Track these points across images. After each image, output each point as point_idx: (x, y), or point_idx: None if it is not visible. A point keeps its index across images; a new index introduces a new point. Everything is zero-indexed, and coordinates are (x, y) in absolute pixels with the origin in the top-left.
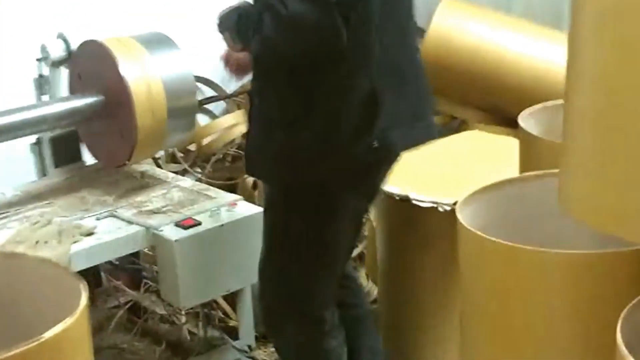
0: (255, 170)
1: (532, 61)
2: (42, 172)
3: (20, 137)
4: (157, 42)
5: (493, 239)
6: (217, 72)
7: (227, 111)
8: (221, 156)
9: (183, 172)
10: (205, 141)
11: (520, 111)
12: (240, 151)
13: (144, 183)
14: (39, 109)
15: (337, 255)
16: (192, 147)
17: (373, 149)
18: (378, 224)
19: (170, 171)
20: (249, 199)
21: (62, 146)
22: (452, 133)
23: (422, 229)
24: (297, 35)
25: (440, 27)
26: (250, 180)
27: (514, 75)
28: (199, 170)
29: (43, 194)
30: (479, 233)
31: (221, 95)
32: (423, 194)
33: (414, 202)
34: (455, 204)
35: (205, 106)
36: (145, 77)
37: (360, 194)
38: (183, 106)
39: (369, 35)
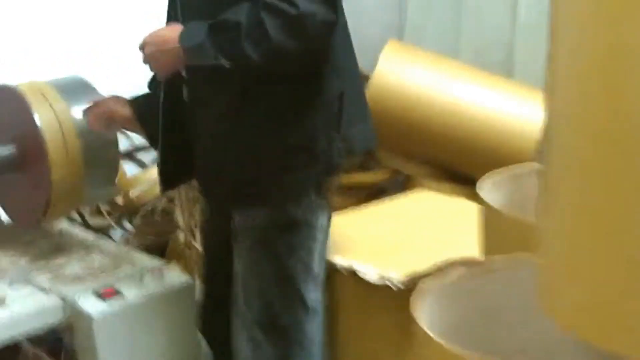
0: (236, 202)
1: (482, 111)
2: None
3: None
4: (74, 87)
5: (456, 350)
6: None
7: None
8: (150, 209)
9: (109, 227)
10: (133, 193)
11: (469, 165)
12: (171, 204)
13: (62, 243)
14: None
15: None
16: (120, 200)
17: (339, 150)
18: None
19: (95, 226)
20: (180, 258)
21: None
22: (398, 189)
23: (371, 307)
24: (309, 36)
25: (384, 73)
26: (181, 236)
27: (462, 126)
28: (128, 224)
29: None
30: (438, 341)
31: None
32: (370, 267)
33: (360, 275)
34: (407, 280)
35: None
36: (60, 125)
37: (328, 201)
38: (102, 158)
39: (338, 32)
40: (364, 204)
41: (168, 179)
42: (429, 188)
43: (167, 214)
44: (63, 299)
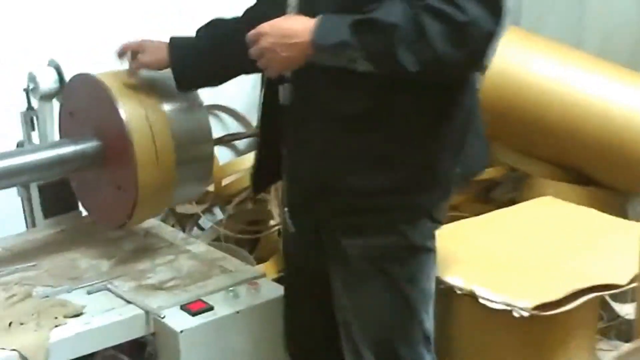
0: (346, 223)
1: (607, 106)
2: (32, 222)
3: None
4: (163, 75)
5: None
6: (243, 100)
7: (252, 147)
8: (244, 198)
9: (198, 215)
10: (225, 182)
11: (591, 164)
12: (266, 193)
13: (148, 245)
14: (17, 157)
15: None
16: (211, 187)
17: (458, 172)
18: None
19: (184, 214)
20: (273, 253)
21: (53, 192)
22: (512, 186)
23: (492, 331)
24: (472, 48)
25: (502, 63)
26: (274, 233)
27: (584, 122)
28: (219, 212)
29: (28, 251)
30: None
31: (249, 132)
32: (493, 290)
33: (481, 300)
34: (534, 308)
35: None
36: (149, 119)
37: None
38: (196, 155)
39: None
40: (478, 202)
41: (261, 182)
42: (546, 187)
43: (261, 203)
44: (146, 312)
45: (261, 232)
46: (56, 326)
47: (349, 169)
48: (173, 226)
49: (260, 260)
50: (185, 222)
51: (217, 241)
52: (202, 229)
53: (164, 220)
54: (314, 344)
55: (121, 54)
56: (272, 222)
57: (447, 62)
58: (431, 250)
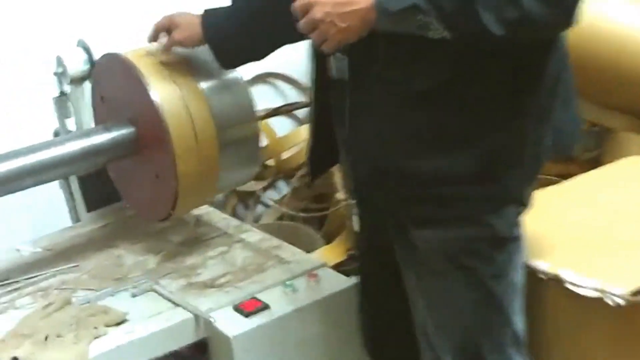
0: (418, 214)
1: None
2: (76, 216)
3: (22, 189)
4: (199, 52)
5: None
6: (299, 66)
7: None
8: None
9: (258, 195)
10: (285, 155)
11: None
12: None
13: (198, 236)
14: (44, 150)
15: None
16: (272, 162)
17: (547, 148)
18: None
19: (246, 191)
20: (341, 230)
21: (95, 183)
22: (594, 142)
23: (582, 323)
24: (564, 5)
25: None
26: (342, 210)
27: None
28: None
29: (69, 250)
30: None
31: (308, 101)
32: (582, 273)
33: (569, 285)
34: (634, 294)
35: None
36: (185, 100)
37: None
38: (240, 136)
39: None
40: (558, 162)
41: (318, 166)
42: (631, 143)
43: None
44: (196, 316)
45: (327, 209)
46: (96, 337)
47: (418, 151)
48: (235, 206)
49: (328, 238)
50: (247, 199)
51: (282, 218)
52: (266, 205)
53: (225, 199)
54: (395, 344)
55: (153, 37)
56: (338, 196)
57: (537, 21)
58: (518, 239)
